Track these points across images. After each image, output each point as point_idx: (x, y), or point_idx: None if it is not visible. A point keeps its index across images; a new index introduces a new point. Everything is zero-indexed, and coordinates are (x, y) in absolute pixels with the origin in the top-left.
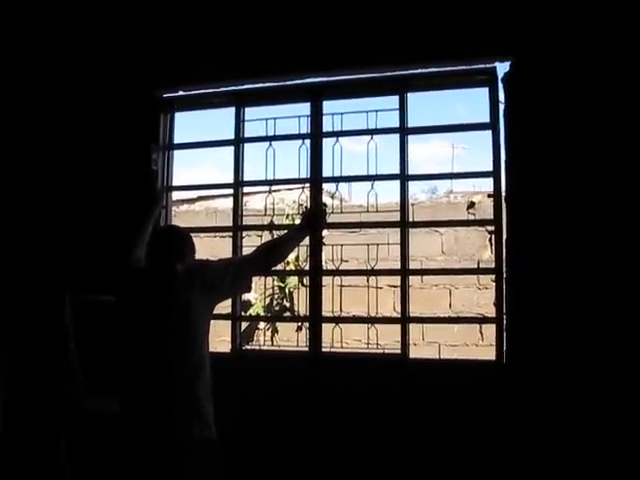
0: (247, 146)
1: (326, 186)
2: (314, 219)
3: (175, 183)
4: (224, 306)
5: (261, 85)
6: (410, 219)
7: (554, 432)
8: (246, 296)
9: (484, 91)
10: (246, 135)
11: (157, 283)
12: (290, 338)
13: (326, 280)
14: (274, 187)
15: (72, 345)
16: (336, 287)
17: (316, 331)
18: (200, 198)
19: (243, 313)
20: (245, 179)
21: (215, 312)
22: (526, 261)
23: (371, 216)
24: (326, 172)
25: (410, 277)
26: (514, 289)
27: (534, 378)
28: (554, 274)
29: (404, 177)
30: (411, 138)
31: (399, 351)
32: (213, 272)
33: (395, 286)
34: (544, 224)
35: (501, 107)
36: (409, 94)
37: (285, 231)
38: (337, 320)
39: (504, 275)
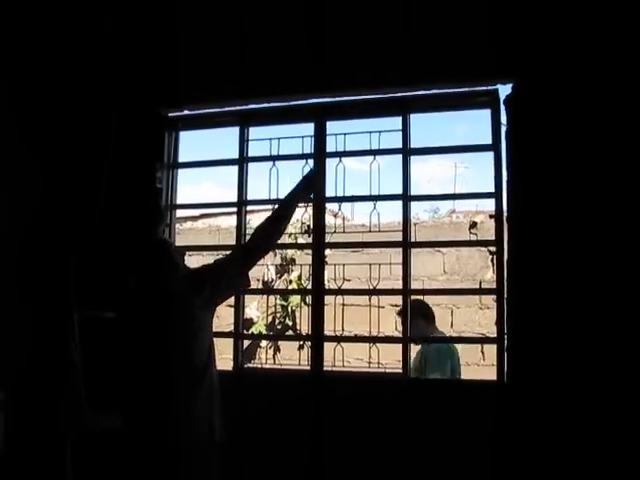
0: (251, 165)
1: (329, 206)
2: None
3: (179, 201)
4: (226, 324)
5: (265, 105)
6: (412, 239)
7: (555, 453)
8: (248, 314)
9: (486, 112)
10: (250, 154)
11: (157, 298)
12: (292, 357)
13: (328, 299)
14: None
15: (77, 361)
16: (338, 306)
17: (318, 350)
18: (203, 216)
19: (245, 331)
20: (249, 198)
21: (217, 330)
22: (527, 282)
23: (373, 236)
24: (329, 192)
25: (412, 297)
26: (515, 309)
27: (535, 398)
28: (556, 295)
29: (406, 197)
30: (413, 159)
31: (400, 370)
32: (204, 277)
33: (397, 305)
34: (546, 245)
35: (503, 129)
36: (412, 115)
37: (288, 252)
38: (339, 339)
39: (505, 295)
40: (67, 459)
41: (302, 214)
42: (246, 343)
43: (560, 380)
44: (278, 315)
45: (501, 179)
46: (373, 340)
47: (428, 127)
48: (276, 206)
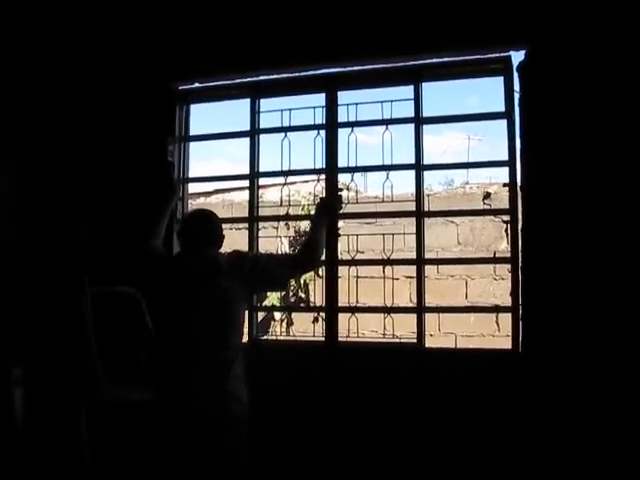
0: (262, 138)
1: (341, 178)
2: (329, 205)
3: (191, 176)
4: None
5: (276, 76)
6: (425, 209)
7: (569, 421)
8: None
9: (499, 83)
10: (261, 126)
11: (199, 271)
12: (306, 329)
13: (342, 271)
14: (289, 179)
15: (92, 335)
16: (352, 278)
17: (332, 321)
18: (217, 191)
19: (259, 304)
20: (260, 171)
21: None
22: (542, 250)
23: (386, 207)
24: (341, 163)
25: (426, 268)
26: (530, 279)
27: (550, 367)
28: (570, 263)
29: (419, 167)
30: (426, 131)
31: (415, 341)
32: (253, 264)
33: (411, 277)
34: (560, 213)
35: (516, 96)
36: (424, 84)
37: (301, 225)
38: (353, 310)
39: (520, 265)
40: (82, 430)
41: (314, 186)
42: (260, 316)
43: (575, 348)
44: (291, 288)
45: (514, 147)
46: (387, 311)
47: (440, 101)
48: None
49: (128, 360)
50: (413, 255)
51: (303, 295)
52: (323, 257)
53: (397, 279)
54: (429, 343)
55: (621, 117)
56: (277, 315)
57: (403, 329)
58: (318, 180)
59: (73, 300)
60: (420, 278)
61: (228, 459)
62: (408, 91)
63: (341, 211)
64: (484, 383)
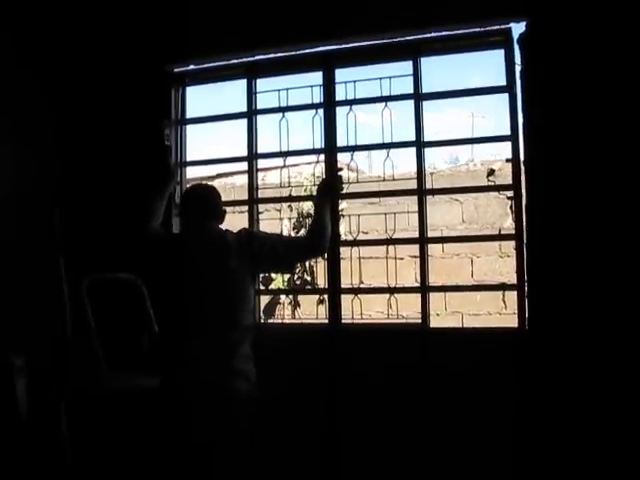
0: (260, 119)
1: (341, 157)
2: (330, 186)
3: (189, 159)
4: None
5: (272, 55)
6: (428, 188)
7: (576, 399)
8: None
9: (500, 61)
10: (259, 107)
11: (206, 248)
12: (312, 312)
13: (346, 252)
14: (290, 162)
15: (91, 323)
16: (355, 259)
17: (335, 302)
18: (219, 175)
19: (264, 288)
20: (259, 152)
21: None
22: (546, 226)
23: (388, 185)
24: (341, 142)
25: (431, 247)
26: (534, 255)
27: (557, 344)
28: (575, 239)
29: (420, 144)
30: (427, 109)
31: (420, 321)
32: (261, 244)
33: (416, 256)
34: (564, 188)
35: (517, 69)
36: (423, 60)
37: (304, 206)
38: (356, 291)
39: (524, 241)
40: (63, 426)
41: (314, 167)
42: (266, 300)
43: (582, 325)
44: (297, 271)
45: (517, 121)
46: (391, 291)
47: (441, 78)
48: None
49: (130, 348)
50: (416, 234)
51: (308, 278)
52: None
53: (402, 259)
54: (435, 323)
55: (627, 88)
56: (282, 298)
57: (409, 309)
58: (317, 162)
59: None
60: (423, 257)
61: (235, 437)
62: (407, 67)
63: (343, 191)
64: (490, 362)
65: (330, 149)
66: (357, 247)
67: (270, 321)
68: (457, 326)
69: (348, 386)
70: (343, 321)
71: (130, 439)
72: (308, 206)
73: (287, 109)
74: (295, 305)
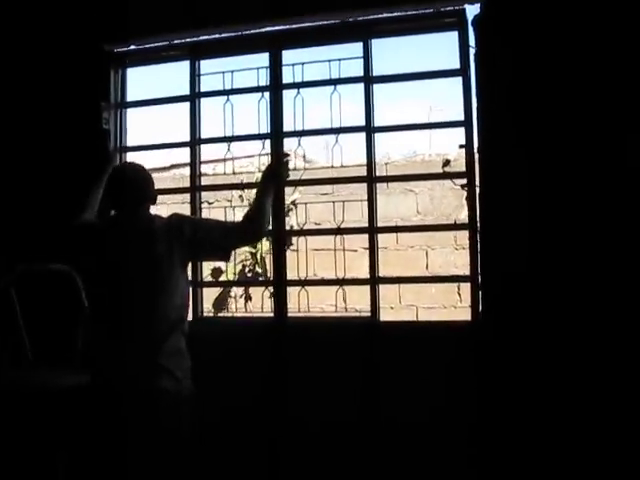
0: (205, 105)
1: (288, 143)
2: (276, 172)
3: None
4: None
5: (217, 36)
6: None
7: (532, 393)
8: (217, 264)
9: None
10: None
11: (132, 234)
12: (265, 305)
13: (300, 244)
14: (243, 152)
15: (19, 317)
16: (310, 251)
17: (280, 294)
18: (173, 166)
19: (213, 280)
20: (202, 137)
21: None
22: (500, 216)
23: (341, 173)
24: (288, 127)
25: (385, 239)
26: (488, 245)
27: (511, 338)
28: (530, 228)
29: (370, 129)
30: (383, 101)
31: (369, 314)
32: (194, 229)
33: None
34: (519, 176)
35: (472, 52)
36: (375, 44)
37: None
38: (303, 283)
39: (478, 231)
40: None
41: (260, 151)
42: (216, 292)
43: (537, 317)
44: (248, 263)
45: (471, 106)
46: (339, 283)
47: (395, 66)
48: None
49: (64, 342)
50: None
51: (260, 269)
52: (270, 227)
53: (355, 251)
54: (390, 316)
55: (584, 72)
56: (234, 290)
57: (363, 303)
58: (263, 145)
59: None
60: (373, 248)
61: (162, 437)
62: (358, 49)
63: (288, 178)
64: (442, 357)
65: (276, 134)
66: (307, 237)
67: (221, 314)
68: (408, 319)
69: (293, 383)
70: (290, 315)
71: (59, 439)
72: None
73: (232, 92)
74: (247, 298)
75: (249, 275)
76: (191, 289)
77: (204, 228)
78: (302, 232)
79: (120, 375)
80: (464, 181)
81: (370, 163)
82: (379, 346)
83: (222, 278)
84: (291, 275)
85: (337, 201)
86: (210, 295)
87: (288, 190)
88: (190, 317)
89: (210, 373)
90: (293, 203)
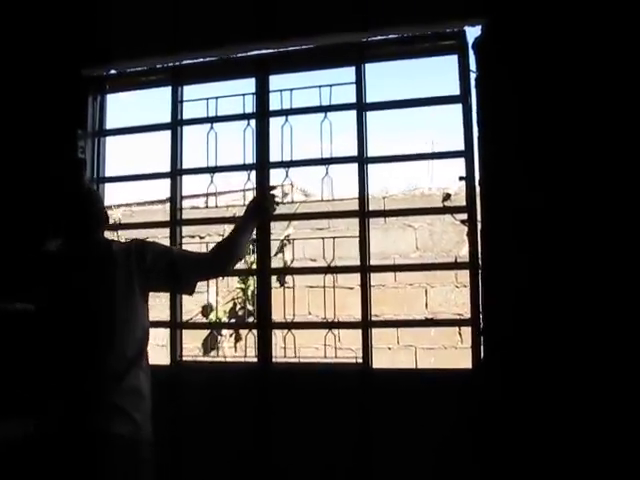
0: (188, 134)
1: (275, 175)
2: (260, 206)
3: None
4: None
5: (200, 60)
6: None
7: (539, 452)
8: (207, 300)
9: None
10: (185, 118)
11: (87, 262)
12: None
13: (296, 281)
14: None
15: None
16: (304, 288)
17: (265, 339)
18: (159, 201)
19: (204, 319)
20: (184, 167)
21: (155, 319)
22: (504, 253)
23: (333, 207)
24: (276, 157)
25: (383, 276)
26: (490, 285)
27: (514, 390)
28: (535, 267)
29: (363, 160)
30: (377, 130)
31: (361, 360)
32: (155, 257)
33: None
34: (524, 210)
35: (472, 77)
36: (368, 66)
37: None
38: (289, 326)
39: (479, 269)
40: None
41: (245, 183)
42: (205, 333)
43: (543, 365)
44: (239, 300)
45: (472, 135)
46: (328, 326)
47: (389, 96)
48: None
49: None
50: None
51: (251, 307)
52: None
53: (351, 288)
54: (387, 357)
55: (590, 96)
56: (224, 331)
57: (358, 343)
58: (249, 176)
59: None
60: (365, 287)
61: None
62: (350, 74)
63: (274, 212)
64: (440, 409)
65: (262, 165)
66: (300, 275)
67: (207, 357)
68: (404, 367)
69: (277, 435)
70: (276, 360)
71: None
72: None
73: (216, 119)
74: (237, 338)
75: (240, 313)
76: (169, 331)
77: (166, 256)
78: (288, 270)
79: (68, 419)
80: (465, 216)
81: (363, 196)
82: (371, 396)
83: (212, 316)
84: (284, 313)
85: (332, 237)
86: (200, 335)
87: (282, 225)
88: (167, 361)
89: (187, 422)
90: (287, 238)
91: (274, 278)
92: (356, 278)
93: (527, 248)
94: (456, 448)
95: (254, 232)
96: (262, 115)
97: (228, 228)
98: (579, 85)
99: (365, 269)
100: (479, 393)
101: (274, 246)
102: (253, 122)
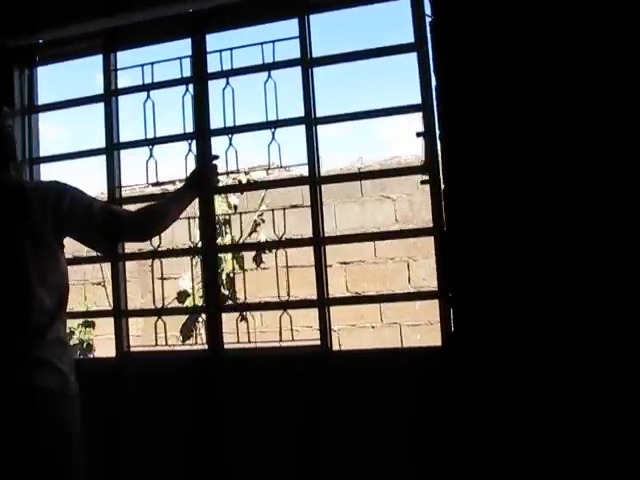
0: (122, 103)
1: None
2: (202, 177)
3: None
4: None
5: (133, 21)
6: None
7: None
8: (181, 286)
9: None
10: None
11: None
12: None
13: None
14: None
15: None
16: (281, 268)
17: (215, 323)
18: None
19: (180, 304)
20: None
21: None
22: (470, 215)
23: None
24: (216, 123)
25: (362, 251)
26: (456, 253)
27: (484, 366)
28: (505, 229)
29: (310, 120)
30: (329, 90)
31: (318, 342)
32: (72, 203)
33: (347, 263)
34: (490, 167)
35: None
36: (313, 17)
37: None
38: (240, 308)
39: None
40: None
41: (186, 154)
42: (183, 319)
43: (515, 343)
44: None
45: (429, 87)
46: (283, 306)
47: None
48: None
49: None
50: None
51: (227, 291)
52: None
53: (330, 266)
54: (371, 336)
55: (557, 41)
56: (202, 316)
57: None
58: (189, 146)
59: None
60: (320, 262)
61: (42, 450)
62: (293, 27)
63: (217, 184)
64: (405, 393)
65: (202, 133)
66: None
67: (188, 342)
68: (364, 348)
69: (226, 427)
70: (228, 347)
71: None
72: (222, 212)
73: (151, 87)
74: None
75: None
76: (113, 320)
77: (86, 208)
78: (235, 247)
79: None
80: (426, 177)
81: (313, 161)
82: (326, 381)
83: (187, 302)
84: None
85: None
86: (178, 321)
87: (256, 203)
88: (113, 353)
89: (133, 416)
90: (260, 217)
91: (249, 259)
92: (336, 255)
93: (497, 206)
94: (416, 435)
95: (194, 204)
96: (200, 78)
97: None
98: (544, 32)
99: (319, 241)
100: (445, 374)
101: (247, 226)
102: (192, 87)
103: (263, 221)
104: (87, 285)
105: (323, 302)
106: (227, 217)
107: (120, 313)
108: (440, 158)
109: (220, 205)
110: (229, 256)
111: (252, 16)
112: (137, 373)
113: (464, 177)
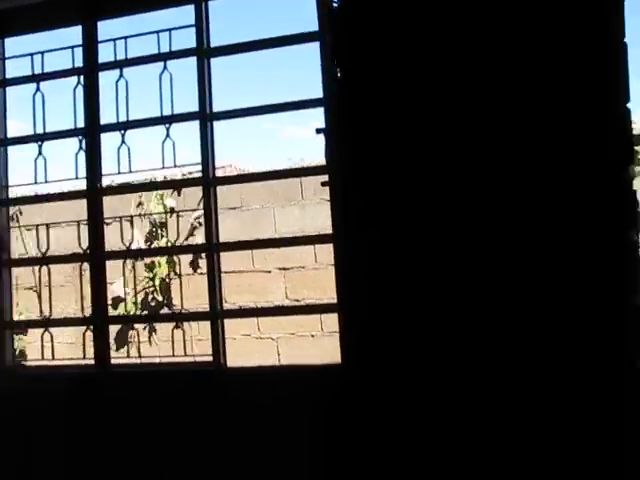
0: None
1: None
2: None
3: None
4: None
5: (19, 5)
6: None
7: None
8: (115, 292)
9: None
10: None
11: None
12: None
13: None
14: None
15: None
16: (221, 273)
17: (102, 337)
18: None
19: (114, 311)
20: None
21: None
22: (362, 221)
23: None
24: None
25: (301, 257)
26: (350, 265)
27: (378, 382)
28: (406, 237)
29: (205, 116)
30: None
31: (211, 359)
32: None
33: (286, 269)
34: (383, 166)
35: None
36: (211, 3)
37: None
38: (127, 320)
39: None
40: None
41: (77, 152)
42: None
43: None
44: (151, 290)
45: (332, 80)
46: (177, 318)
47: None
48: None
49: None
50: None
51: (160, 297)
52: None
53: (269, 272)
54: (309, 344)
55: (458, 42)
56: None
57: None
58: (80, 142)
59: None
60: (213, 270)
61: None
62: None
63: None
64: (299, 414)
65: (92, 128)
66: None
67: (121, 351)
68: (263, 365)
69: (113, 450)
70: (115, 362)
71: None
72: (159, 217)
73: (42, 77)
74: (151, 331)
75: (153, 304)
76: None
77: None
78: (128, 253)
79: None
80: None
81: (206, 160)
82: (221, 401)
83: (120, 308)
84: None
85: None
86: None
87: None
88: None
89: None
90: (197, 220)
91: (186, 264)
92: (275, 261)
93: (395, 216)
94: (310, 461)
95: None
96: (91, 69)
97: (66, 205)
98: (452, 28)
99: (212, 247)
100: (343, 392)
101: (184, 230)
102: (83, 79)
103: (200, 224)
104: None
105: (216, 314)
106: (162, 219)
107: (3, 325)
108: (338, 157)
109: (156, 207)
110: (163, 260)
111: (148, 1)
112: (13, 390)
113: (357, 178)
